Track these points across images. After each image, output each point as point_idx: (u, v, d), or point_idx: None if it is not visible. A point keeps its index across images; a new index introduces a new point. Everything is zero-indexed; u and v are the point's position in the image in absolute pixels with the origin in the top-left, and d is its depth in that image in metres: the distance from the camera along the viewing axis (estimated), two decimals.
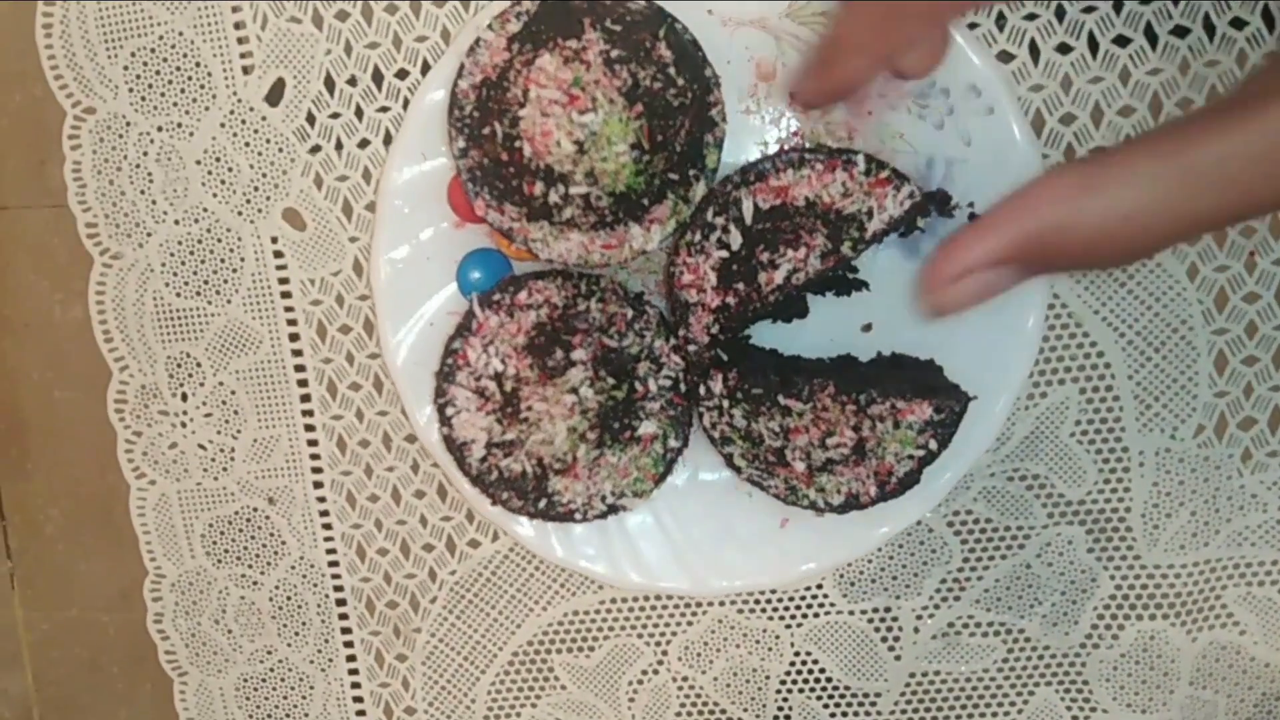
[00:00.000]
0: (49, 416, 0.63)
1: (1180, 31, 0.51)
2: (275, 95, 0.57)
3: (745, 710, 0.61)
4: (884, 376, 0.50)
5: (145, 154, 0.58)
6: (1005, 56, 0.52)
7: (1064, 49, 0.51)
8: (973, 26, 0.52)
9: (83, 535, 0.64)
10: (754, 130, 0.51)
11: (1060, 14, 0.51)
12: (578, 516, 0.51)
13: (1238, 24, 0.50)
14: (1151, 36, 0.51)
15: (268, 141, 0.57)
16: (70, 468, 0.63)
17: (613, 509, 0.51)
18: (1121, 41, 0.51)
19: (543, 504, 0.50)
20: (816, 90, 0.44)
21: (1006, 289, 0.41)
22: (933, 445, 0.48)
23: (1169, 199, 0.36)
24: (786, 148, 0.47)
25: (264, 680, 0.64)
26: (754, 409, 0.49)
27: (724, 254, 0.47)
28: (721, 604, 0.59)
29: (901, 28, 0.41)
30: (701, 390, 0.50)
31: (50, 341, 0.62)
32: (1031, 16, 0.51)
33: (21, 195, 0.60)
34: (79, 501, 0.64)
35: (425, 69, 0.55)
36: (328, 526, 0.61)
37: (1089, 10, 0.51)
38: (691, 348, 0.50)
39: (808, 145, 0.49)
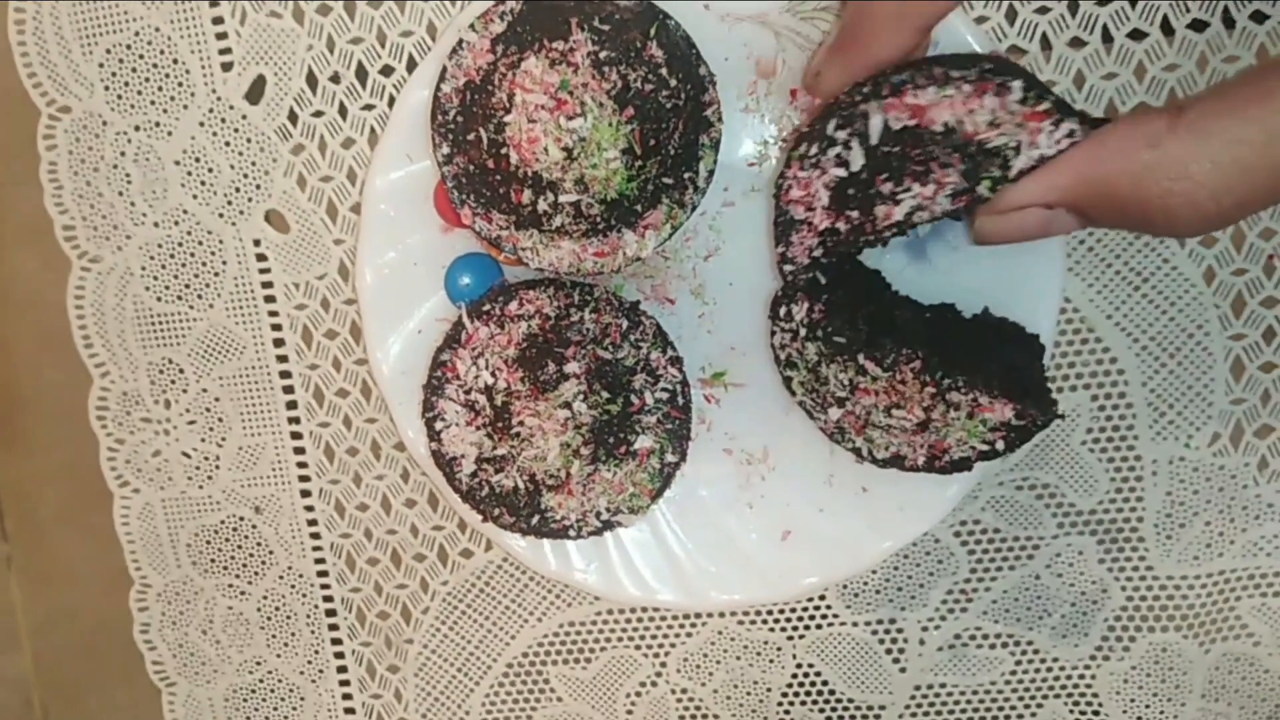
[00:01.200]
0: (42, 398, 0.61)
1: (1198, 25, 0.48)
2: (256, 93, 0.54)
3: None
4: (979, 350, 0.46)
5: (123, 154, 0.56)
6: (1016, 51, 0.50)
7: (1077, 43, 0.49)
8: (981, 20, 0.49)
9: (78, 518, 0.62)
10: (754, 128, 0.49)
11: (1073, 8, 0.49)
12: (571, 534, 0.49)
13: (1258, 18, 0.48)
14: (1168, 30, 0.49)
15: (249, 141, 0.55)
16: (65, 450, 0.61)
17: (608, 525, 0.49)
18: (1137, 36, 0.49)
19: (535, 520, 0.49)
20: (840, 80, 0.41)
21: (1060, 233, 0.39)
22: (999, 445, 0.45)
23: (1247, 161, 0.33)
24: (930, 58, 0.40)
25: (253, 691, 0.63)
26: (830, 353, 0.46)
27: (841, 173, 0.42)
28: (721, 615, 0.58)
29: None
30: (781, 310, 0.46)
31: (42, 321, 0.60)
32: (1043, 10, 0.49)
33: (10, 173, 0.58)
34: (75, 484, 0.62)
35: (411, 65, 0.53)
36: (316, 536, 0.60)
37: (1103, 3, 0.49)
38: (788, 268, 0.45)
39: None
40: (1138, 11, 0.48)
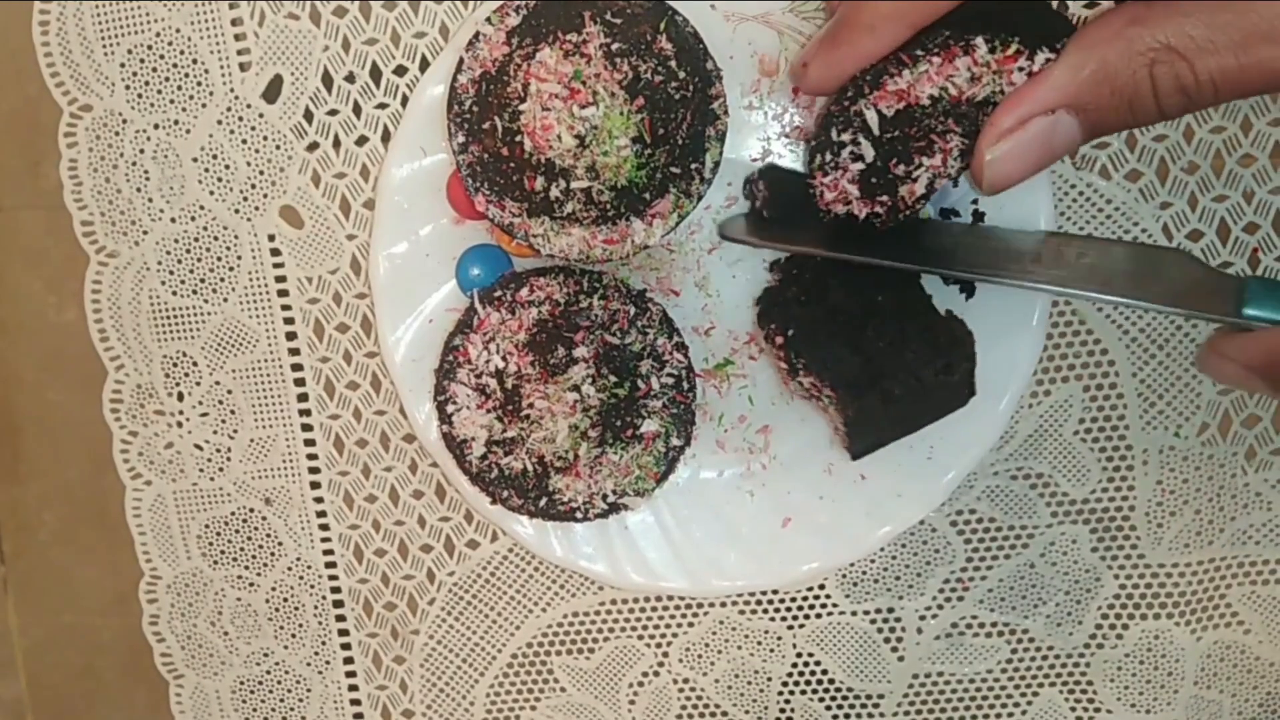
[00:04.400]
0: (43, 419, 0.62)
1: None
2: (273, 92, 0.56)
3: (747, 712, 0.60)
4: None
5: (142, 151, 0.57)
6: None
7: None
8: None
9: (77, 539, 0.63)
10: (757, 126, 0.51)
11: (1064, 8, 0.51)
12: (578, 515, 0.50)
13: None
14: None
15: (265, 139, 0.57)
16: (65, 471, 0.62)
17: (614, 508, 0.50)
18: None
19: (543, 502, 0.50)
20: (825, 73, 0.43)
21: (1065, 147, 0.40)
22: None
23: (1218, 39, 0.35)
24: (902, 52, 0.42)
25: (261, 683, 0.63)
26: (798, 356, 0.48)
27: (860, 166, 0.44)
28: (723, 605, 0.59)
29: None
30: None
31: (44, 344, 0.61)
32: None
33: (16, 196, 0.59)
34: (73, 505, 0.63)
35: (424, 65, 0.55)
36: (325, 527, 0.61)
37: (1092, 6, 0.51)
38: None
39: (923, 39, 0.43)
40: None
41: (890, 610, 0.58)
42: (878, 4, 0.41)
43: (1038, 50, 0.40)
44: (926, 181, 0.43)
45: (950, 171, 0.43)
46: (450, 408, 0.49)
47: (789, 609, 0.58)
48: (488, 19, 0.45)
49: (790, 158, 0.51)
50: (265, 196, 0.57)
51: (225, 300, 0.58)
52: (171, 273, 0.58)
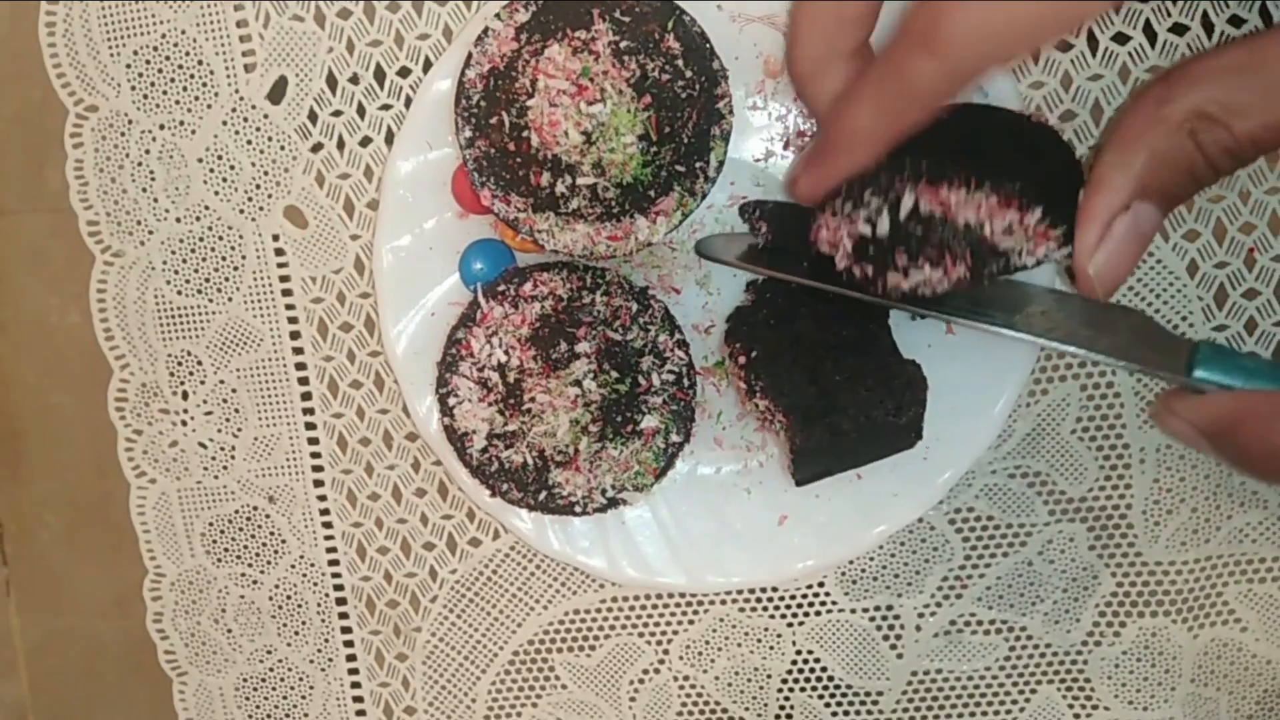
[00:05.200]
0: (45, 421, 0.63)
1: (1179, 29, 0.51)
2: (277, 93, 0.57)
3: (747, 709, 0.60)
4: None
5: (147, 152, 0.58)
6: None
7: (1064, 46, 0.52)
8: None
9: (79, 541, 0.64)
10: (760, 126, 0.52)
11: None
12: (577, 509, 0.51)
13: (1236, 22, 0.50)
14: (1150, 34, 0.51)
15: (270, 139, 0.57)
16: (67, 473, 0.63)
17: (613, 502, 0.51)
18: (1121, 39, 0.51)
19: (542, 496, 0.50)
20: (814, 187, 0.44)
21: (1153, 228, 0.42)
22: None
23: (1242, 100, 0.38)
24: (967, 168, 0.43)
25: (264, 680, 0.64)
26: (756, 378, 0.49)
27: (867, 231, 0.44)
28: (723, 602, 0.59)
29: (926, 105, 0.40)
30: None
31: (47, 346, 0.61)
32: None
33: (19, 200, 0.60)
34: (75, 507, 0.63)
35: (427, 67, 0.55)
36: (328, 525, 0.61)
37: None
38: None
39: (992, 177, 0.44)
40: (1121, 15, 0.51)
41: (889, 608, 0.58)
42: (852, 126, 0.42)
43: (1068, 243, 0.42)
44: (914, 284, 0.44)
45: (938, 290, 0.44)
46: (452, 400, 0.50)
47: (789, 607, 0.59)
48: (497, 15, 0.46)
49: (794, 158, 0.52)
50: (270, 197, 0.58)
51: (230, 300, 0.59)
52: (176, 272, 0.59)
